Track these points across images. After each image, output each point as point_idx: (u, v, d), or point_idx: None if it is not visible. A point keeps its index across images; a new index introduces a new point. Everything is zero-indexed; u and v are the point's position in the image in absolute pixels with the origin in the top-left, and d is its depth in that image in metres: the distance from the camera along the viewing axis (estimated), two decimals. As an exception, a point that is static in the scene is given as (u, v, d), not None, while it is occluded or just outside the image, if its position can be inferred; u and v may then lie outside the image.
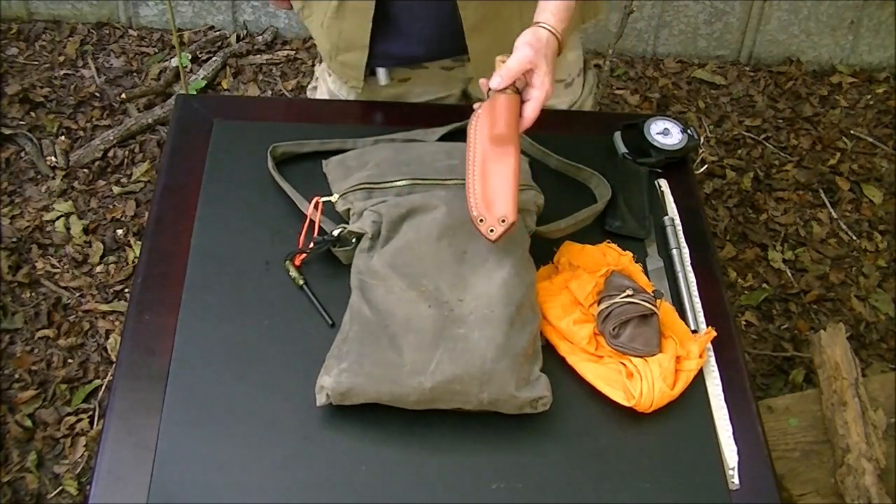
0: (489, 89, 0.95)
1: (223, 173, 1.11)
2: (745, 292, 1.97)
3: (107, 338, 1.81)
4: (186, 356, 0.94)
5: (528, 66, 0.93)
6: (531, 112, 0.94)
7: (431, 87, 1.26)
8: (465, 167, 0.94)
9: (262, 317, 0.97)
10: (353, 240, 1.00)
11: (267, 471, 0.86)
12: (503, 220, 0.91)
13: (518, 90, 0.95)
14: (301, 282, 1.00)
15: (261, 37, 2.40)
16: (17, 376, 1.73)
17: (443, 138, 1.16)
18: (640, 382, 0.93)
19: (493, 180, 0.92)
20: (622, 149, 1.18)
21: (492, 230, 0.91)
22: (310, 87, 1.35)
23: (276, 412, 0.90)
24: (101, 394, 1.72)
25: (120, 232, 1.97)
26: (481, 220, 0.91)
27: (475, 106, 0.98)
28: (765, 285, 1.99)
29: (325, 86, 1.29)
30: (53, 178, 2.06)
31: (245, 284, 1.00)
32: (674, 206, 1.15)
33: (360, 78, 1.19)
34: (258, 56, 2.37)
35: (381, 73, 1.20)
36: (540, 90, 0.94)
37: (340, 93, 1.27)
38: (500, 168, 0.92)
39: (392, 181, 1.02)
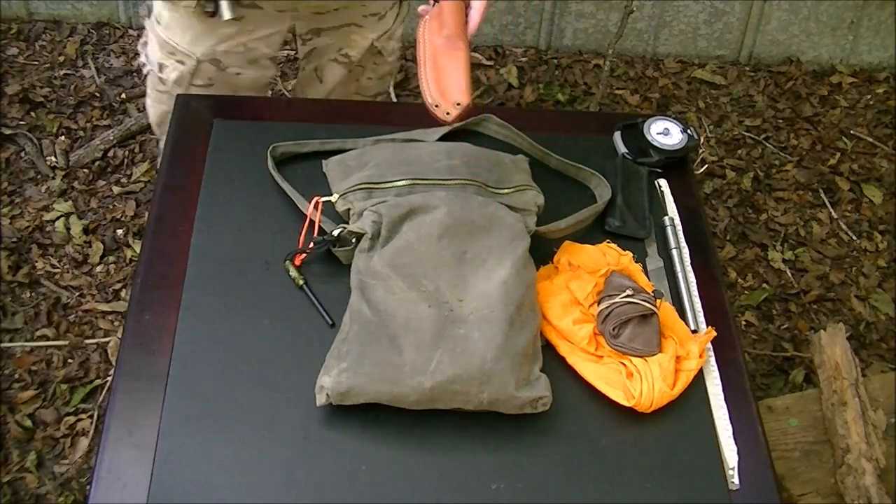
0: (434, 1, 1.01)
1: (223, 173, 1.11)
2: (745, 292, 1.97)
3: (107, 338, 1.81)
4: (186, 356, 0.94)
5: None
6: (477, 15, 1.01)
7: (263, 29, 1.28)
8: (417, 65, 0.99)
9: (262, 317, 0.97)
10: (353, 240, 1.00)
11: (267, 471, 0.86)
12: (458, 104, 0.96)
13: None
14: (301, 282, 1.00)
15: (261, 37, 2.40)
16: (17, 376, 1.73)
17: (443, 138, 1.16)
18: (640, 382, 0.93)
19: (445, 71, 0.97)
20: (622, 149, 1.18)
21: (448, 113, 0.96)
22: (140, 42, 1.35)
23: (276, 412, 0.90)
24: (101, 394, 1.72)
25: (120, 232, 1.97)
26: (437, 106, 0.96)
27: (420, 10, 1.03)
28: (765, 285, 1.99)
29: (156, 35, 1.29)
30: (53, 178, 2.06)
31: (245, 284, 1.00)
32: (674, 206, 1.15)
33: None
34: (258, 56, 2.37)
35: (225, 6, 1.20)
36: None
37: (173, 39, 1.27)
38: (451, 61, 0.98)
39: (392, 181, 1.02)
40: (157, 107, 1.40)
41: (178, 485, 0.85)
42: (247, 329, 0.96)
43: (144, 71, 1.37)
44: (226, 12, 1.19)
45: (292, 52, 2.38)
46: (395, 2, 1.37)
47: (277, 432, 0.89)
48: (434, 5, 1.03)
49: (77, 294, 1.87)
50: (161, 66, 1.30)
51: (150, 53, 1.32)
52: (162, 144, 1.39)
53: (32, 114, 2.18)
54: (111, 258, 1.93)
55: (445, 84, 0.97)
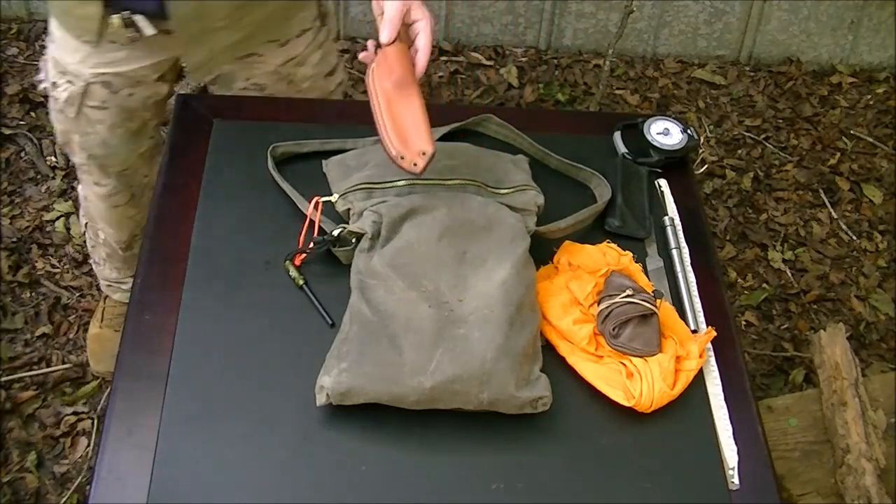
0: (377, 46, 0.99)
1: (223, 173, 1.11)
2: (745, 292, 1.97)
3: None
4: (186, 356, 0.94)
5: (404, 8, 0.96)
6: (424, 44, 0.97)
7: (151, 57, 1.24)
8: (373, 116, 0.96)
9: (262, 317, 0.97)
10: (353, 240, 1.00)
11: (267, 471, 0.86)
12: (423, 153, 0.93)
13: (402, 39, 0.98)
14: (301, 282, 1.00)
15: (261, 37, 2.40)
16: (16, 376, 1.73)
17: (443, 138, 1.16)
18: (640, 382, 0.93)
19: (404, 119, 0.94)
20: (622, 149, 1.18)
21: (415, 164, 0.93)
22: (42, 58, 1.30)
23: (276, 412, 0.90)
24: (100, 394, 1.72)
25: (120, 232, 1.97)
26: (402, 158, 0.93)
27: (362, 57, 1.02)
28: (765, 285, 1.99)
29: (49, 53, 1.25)
30: (53, 178, 2.06)
31: (245, 284, 1.00)
32: (674, 205, 1.15)
33: (95, 30, 1.16)
34: (258, 56, 2.37)
35: (143, 21, 1.15)
36: (424, 20, 0.97)
37: (64, 59, 1.23)
38: (407, 108, 0.95)
39: (392, 181, 1.02)
40: (57, 126, 1.34)
41: (178, 485, 0.85)
42: (247, 329, 0.96)
43: (40, 88, 1.32)
44: (147, 28, 1.15)
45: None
46: (305, 29, 1.28)
47: (277, 432, 0.89)
48: (377, 51, 0.99)
49: (77, 294, 1.87)
50: (54, 85, 1.27)
51: (47, 70, 1.28)
52: (76, 159, 1.39)
53: (32, 114, 2.18)
54: (111, 258, 1.93)
55: (406, 133, 0.94)
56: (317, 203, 1.03)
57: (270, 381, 0.92)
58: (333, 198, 1.03)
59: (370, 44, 1.01)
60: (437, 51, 2.39)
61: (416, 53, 0.98)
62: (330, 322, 0.97)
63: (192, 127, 1.17)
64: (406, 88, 0.96)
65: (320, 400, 0.89)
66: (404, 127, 0.94)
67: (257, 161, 1.11)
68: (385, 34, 0.96)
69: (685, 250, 1.09)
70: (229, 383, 0.92)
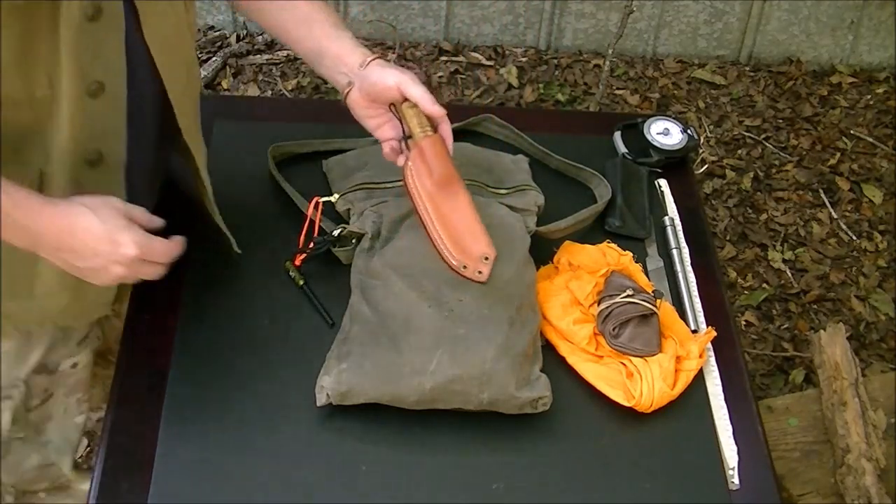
0: (404, 140, 0.92)
1: (224, 173, 1.11)
2: (745, 292, 1.97)
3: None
4: (186, 356, 0.94)
5: (422, 86, 0.90)
6: (448, 136, 0.91)
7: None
8: (422, 222, 0.89)
9: (262, 317, 0.97)
10: (354, 240, 1.00)
11: (267, 471, 0.86)
12: (486, 258, 0.88)
13: (433, 128, 0.91)
14: (301, 282, 1.00)
15: (261, 37, 2.40)
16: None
17: (443, 138, 1.16)
18: (640, 382, 0.93)
19: (456, 223, 0.88)
20: (622, 149, 1.18)
21: (479, 272, 0.88)
22: None
23: (276, 412, 0.90)
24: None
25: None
26: (465, 267, 0.88)
27: (399, 161, 0.93)
28: (765, 285, 1.99)
29: None
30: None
31: (245, 284, 1.00)
32: (674, 206, 1.15)
33: None
34: (258, 56, 2.37)
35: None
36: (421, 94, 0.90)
37: None
38: (456, 208, 0.89)
39: (392, 181, 1.02)
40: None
41: (179, 485, 0.85)
42: (247, 329, 0.96)
43: None
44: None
45: (292, 52, 2.38)
46: None
47: (277, 432, 0.89)
48: (409, 148, 0.91)
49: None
50: None
51: None
52: None
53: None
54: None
55: (462, 238, 0.87)
56: (317, 203, 1.03)
57: (270, 381, 0.92)
58: (334, 198, 1.03)
59: (392, 144, 0.94)
60: (437, 51, 2.39)
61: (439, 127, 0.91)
62: (330, 322, 0.97)
63: (192, 127, 1.17)
64: (450, 185, 0.88)
65: (320, 400, 0.89)
66: (458, 232, 0.88)
67: (258, 161, 1.11)
68: (438, 108, 0.90)
69: (685, 250, 1.09)
70: (229, 383, 0.92)
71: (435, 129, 0.92)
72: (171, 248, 0.82)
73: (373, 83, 0.91)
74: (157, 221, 0.84)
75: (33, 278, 0.86)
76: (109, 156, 0.83)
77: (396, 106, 0.92)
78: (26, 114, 0.75)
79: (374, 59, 0.92)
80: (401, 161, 0.93)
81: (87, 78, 0.76)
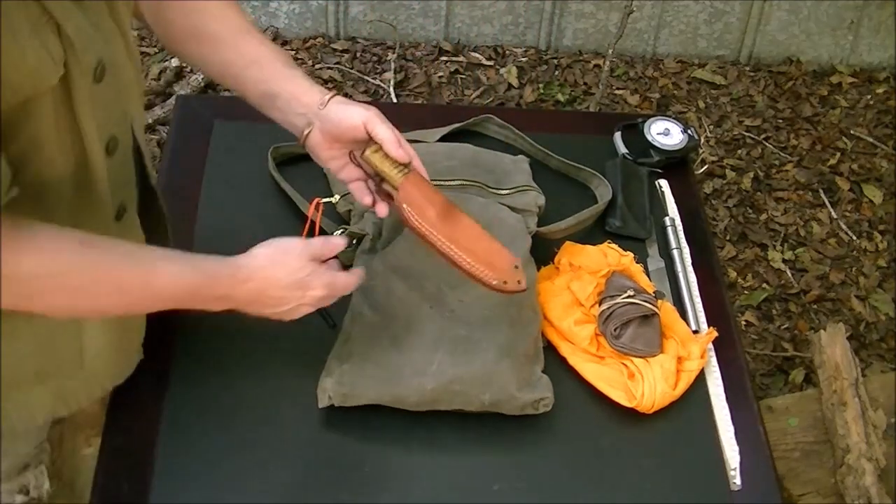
0: (379, 189, 0.87)
1: (224, 174, 1.11)
2: (745, 292, 1.97)
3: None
4: (187, 357, 0.94)
5: (387, 124, 0.85)
6: (388, 133, 0.85)
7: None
8: (444, 257, 0.86)
9: (262, 318, 0.97)
10: (354, 241, 1.00)
11: (268, 472, 0.86)
12: (515, 267, 0.87)
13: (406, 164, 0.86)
14: (302, 282, 1.00)
15: (261, 37, 2.40)
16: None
17: (443, 139, 1.16)
18: (642, 383, 0.93)
19: (475, 245, 0.86)
20: (622, 149, 1.18)
21: (518, 281, 0.86)
22: None
23: (278, 413, 0.90)
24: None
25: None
26: (505, 283, 0.85)
27: (396, 206, 0.87)
28: (765, 285, 1.99)
29: None
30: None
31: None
32: (674, 206, 1.15)
33: None
34: (258, 56, 2.36)
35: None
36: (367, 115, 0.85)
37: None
38: (468, 232, 0.87)
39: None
40: None
41: (179, 486, 0.85)
42: (248, 331, 0.96)
43: None
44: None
45: (292, 52, 2.38)
46: None
47: (279, 434, 0.89)
48: (383, 192, 0.87)
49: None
50: None
51: None
52: None
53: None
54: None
55: (489, 257, 0.85)
56: (317, 204, 1.02)
57: (271, 383, 0.92)
58: (334, 199, 1.03)
59: (358, 185, 0.89)
60: (437, 51, 2.39)
61: (386, 146, 0.84)
62: (331, 323, 0.97)
63: (192, 128, 1.17)
64: (450, 212, 0.86)
65: (322, 401, 0.89)
66: (483, 253, 0.86)
67: (258, 162, 1.11)
68: (402, 151, 0.84)
69: (686, 251, 1.09)
70: (230, 384, 0.92)
71: (406, 164, 0.87)
72: (351, 281, 0.83)
73: (336, 122, 0.85)
74: (337, 244, 0.83)
75: (81, 350, 0.83)
76: (129, 207, 0.83)
77: (355, 155, 0.87)
78: (64, 192, 0.73)
79: (332, 97, 0.85)
80: (370, 202, 0.89)
81: (104, 138, 0.74)
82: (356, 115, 0.84)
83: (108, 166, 0.75)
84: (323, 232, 1.02)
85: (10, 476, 0.93)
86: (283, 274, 0.78)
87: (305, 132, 0.87)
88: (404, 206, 0.85)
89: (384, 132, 0.84)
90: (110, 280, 0.71)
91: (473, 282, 0.86)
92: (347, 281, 0.83)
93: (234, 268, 0.77)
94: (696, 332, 1.01)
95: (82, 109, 0.69)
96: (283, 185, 1.08)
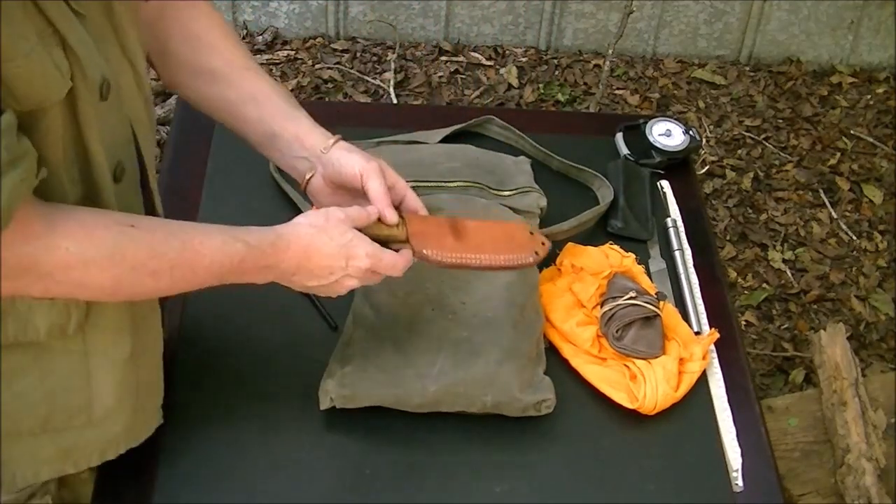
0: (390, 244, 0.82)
1: (225, 175, 1.11)
2: (745, 292, 1.97)
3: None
4: (188, 358, 0.94)
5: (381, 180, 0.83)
6: (412, 196, 0.85)
7: None
8: (481, 268, 0.85)
9: (263, 320, 0.97)
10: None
11: (270, 475, 0.86)
12: (531, 232, 0.88)
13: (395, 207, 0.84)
14: (304, 284, 1.00)
15: (261, 37, 2.39)
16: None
17: (445, 140, 1.16)
18: (644, 384, 0.93)
19: (496, 242, 0.85)
20: (624, 150, 1.18)
21: (543, 243, 0.87)
22: None
23: (279, 416, 0.90)
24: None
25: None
26: (536, 253, 0.86)
27: (405, 266, 0.82)
28: (765, 285, 1.99)
29: None
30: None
31: (246, 287, 0.99)
32: (676, 207, 1.15)
33: None
34: (258, 56, 2.36)
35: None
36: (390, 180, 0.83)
37: None
38: (484, 234, 0.85)
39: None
40: None
41: (181, 487, 0.85)
42: (249, 332, 0.96)
43: None
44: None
45: (292, 52, 2.38)
46: None
47: (280, 436, 0.89)
48: (407, 247, 0.82)
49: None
50: None
51: None
52: None
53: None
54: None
55: (510, 244, 0.85)
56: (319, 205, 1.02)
57: (273, 385, 0.92)
58: (336, 200, 1.03)
59: (389, 253, 0.81)
60: (437, 51, 2.39)
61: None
62: (333, 325, 0.97)
63: (193, 129, 1.17)
64: (460, 228, 0.84)
65: (324, 403, 0.88)
66: (504, 242, 0.85)
67: (259, 163, 1.10)
68: (391, 214, 0.81)
69: (688, 252, 1.09)
70: (231, 387, 0.92)
71: (398, 205, 0.84)
72: (398, 260, 0.79)
73: (338, 168, 0.82)
74: (372, 212, 0.79)
75: (90, 402, 0.78)
76: None
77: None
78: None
79: (336, 142, 0.83)
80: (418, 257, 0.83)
81: (111, 164, 0.71)
82: (356, 165, 0.82)
83: (116, 194, 0.73)
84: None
85: None
86: (324, 240, 0.75)
87: (308, 176, 0.84)
88: (424, 251, 0.82)
89: (375, 189, 0.81)
90: (156, 259, 0.69)
91: (513, 271, 0.85)
92: (394, 260, 0.78)
93: (274, 236, 0.75)
94: (697, 333, 1.01)
95: (89, 131, 0.67)
96: (285, 186, 1.08)
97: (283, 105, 0.84)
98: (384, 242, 0.81)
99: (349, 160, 0.82)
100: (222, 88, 0.85)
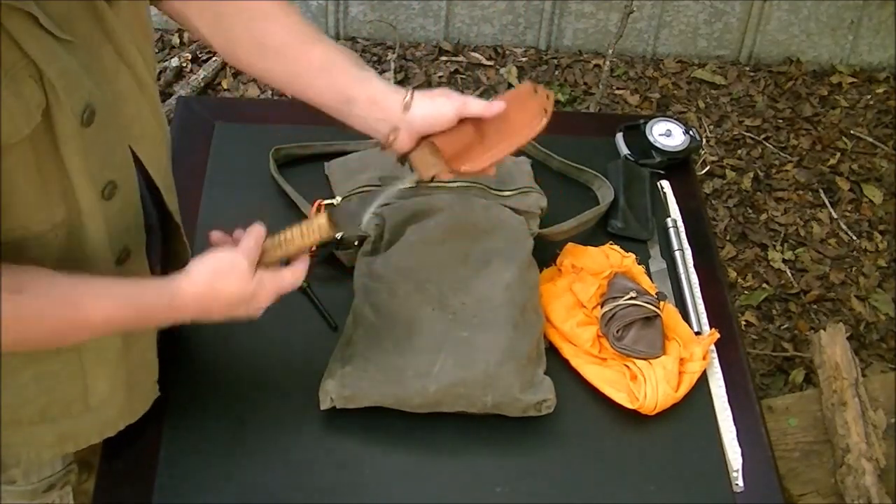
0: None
1: (225, 176, 1.11)
2: (745, 292, 1.97)
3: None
4: (188, 358, 0.94)
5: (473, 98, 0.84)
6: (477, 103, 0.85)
7: None
8: (513, 149, 0.87)
9: (263, 320, 0.97)
10: (356, 242, 1.00)
11: (271, 474, 0.86)
12: (535, 91, 0.87)
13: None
14: (304, 285, 1.00)
15: (260, 37, 2.39)
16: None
17: (445, 140, 1.16)
18: (644, 385, 0.93)
19: (509, 115, 0.85)
20: (624, 150, 1.18)
21: (548, 97, 0.87)
22: None
23: (280, 416, 0.90)
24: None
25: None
26: (546, 110, 0.86)
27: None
28: (765, 285, 1.99)
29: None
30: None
31: (248, 287, 1.00)
32: (676, 207, 1.15)
33: None
34: (258, 56, 2.36)
35: None
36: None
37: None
38: (499, 118, 0.85)
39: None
40: None
41: (181, 487, 0.85)
42: (249, 332, 0.96)
43: None
44: None
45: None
46: None
47: (281, 436, 0.89)
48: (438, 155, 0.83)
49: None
50: None
51: None
52: None
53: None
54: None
55: (521, 112, 0.86)
56: (320, 206, 1.03)
57: (273, 385, 0.92)
58: (336, 200, 1.03)
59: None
60: (437, 51, 2.39)
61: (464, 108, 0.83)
62: (333, 325, 0.97)
63: (193, 129, 1.17)
64: (483, 131, 0.85)
65: (324, 403, 0.89)
66: (518, 114, 0.85)
67: (259, 163, 1.11)
68: (493, 104, 0.83)
69: (688, 252, 1.09)
70: (231, 387, 0.92)
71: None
72: (298, 275, 0.80)
73: (427, 121, 0.82)
74: (259, 233, 0.79)
75: (86, 392, 0.81)
76: (135, 249, 0.80)
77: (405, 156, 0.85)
78: (52, 241, 0.71)
79: (411, 95, 0.82)
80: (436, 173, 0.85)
81: (98, 183, 0.71)
82: (448, 110, 0.82)
83: (105, 212, 0.72)
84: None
85: (36, 495, 0.92)
86: (224, 295, 0.76)
87: (391, 138, 0.83)
88: (462, 168, 0.83)
89: (477, 106, 0.82)
90: (49, 321, 0.69)
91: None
92: (294, 276, 0.80)
93: (168, 297, 0.74)
94: (697, 333, 1.01)
95: (70, 156, 0.66)
96: (285, 186, 1.08)
97: (352, 69, 0.83)
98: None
99: (437, 108, 0.82)
100: (291, 63, 0.83)
